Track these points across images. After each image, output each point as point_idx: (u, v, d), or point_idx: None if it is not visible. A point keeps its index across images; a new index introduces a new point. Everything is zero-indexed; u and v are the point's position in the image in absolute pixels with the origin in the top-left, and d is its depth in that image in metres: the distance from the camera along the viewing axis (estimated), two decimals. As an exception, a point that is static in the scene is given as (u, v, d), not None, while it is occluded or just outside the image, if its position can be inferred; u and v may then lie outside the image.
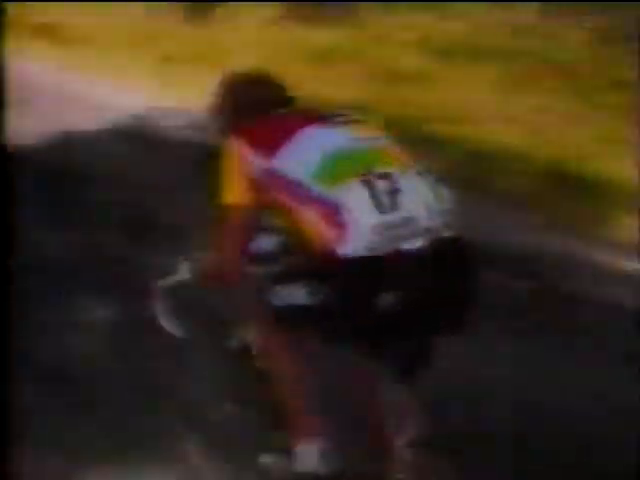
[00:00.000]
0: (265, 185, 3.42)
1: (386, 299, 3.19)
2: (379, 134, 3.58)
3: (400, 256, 3.18)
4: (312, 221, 3.28)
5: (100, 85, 12.80)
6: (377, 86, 11.62)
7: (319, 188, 3.27)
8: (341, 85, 11.93)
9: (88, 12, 24.35)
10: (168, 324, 3.94)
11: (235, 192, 3.49)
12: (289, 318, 3.42)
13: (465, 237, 3.40)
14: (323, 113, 3.62)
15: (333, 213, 3.21)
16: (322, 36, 15.53)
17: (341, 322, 3.28)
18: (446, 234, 3.29)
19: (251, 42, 17.73)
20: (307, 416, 3.60)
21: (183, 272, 3.90)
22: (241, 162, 3.47)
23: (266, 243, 3.78)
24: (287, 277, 3.51)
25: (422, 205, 3.27)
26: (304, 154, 3.37)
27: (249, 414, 4.14)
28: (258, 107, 3.65)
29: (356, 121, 3.62)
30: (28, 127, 11.07)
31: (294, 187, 3.33)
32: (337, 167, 3.32)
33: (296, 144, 3.40)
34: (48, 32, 24.00)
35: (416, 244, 3.20)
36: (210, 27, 19.91)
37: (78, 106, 11.44)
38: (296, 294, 3.35)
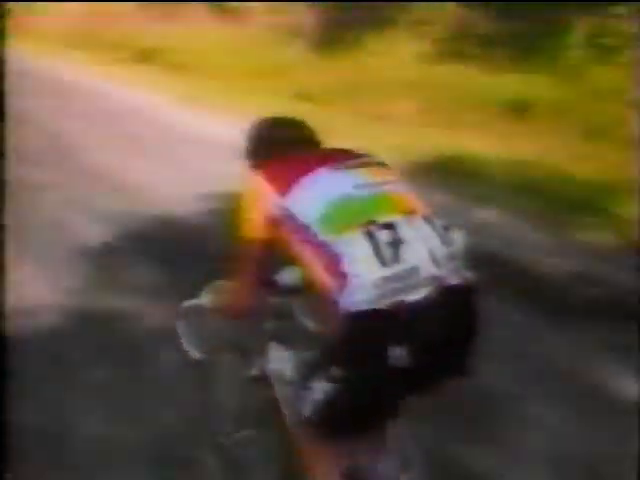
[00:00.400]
0: (279, 222, 3.45)
1: (394, 353, 3.18)
2: (391, 178, 3.57)
3: (404, 308, 3.17)
4: (317, 267, 3.29)
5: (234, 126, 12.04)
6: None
7: (323, 235, 3.29)
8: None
9: (197, 35, 23.52)
10: (187, 344, 4.03)
11: (252, 226, 3.54)
12: (328, 418, 3.41)
13: (472, 280, 3.38)
14: (340, 155, 3.64)
15: (335, 263, 3.24)
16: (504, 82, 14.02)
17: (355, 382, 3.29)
18: (452, 281, 3.27)
19: (405, 81, 15.46)
20: None
21: (204, 297, 3.99)
22: (259, 198, 3.52)
23: (288, 276, 3.84)
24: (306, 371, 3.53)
25: (426, 253, 3.25)
26: (311, 198, 3.40)
27: (265, 442, 4.20)
28: (279, 147, 3.72)
29: (372, 164, 3.63)
30: (176, 181, 10.41)
31: (302, 230, 3.37)
32: (340, 215, 3.33)
33: (305, 186, 3.43)
34: (157, 56, 23.10)
35: (420, 295, 3.19)
36: (352, 59, 18.25)
37: (220, 153, 10.68)
38: (318, 389, 3.37)
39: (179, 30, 24.85)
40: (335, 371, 3.28)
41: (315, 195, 3.41)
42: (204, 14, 26.11)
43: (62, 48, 29.11)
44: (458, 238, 3.40)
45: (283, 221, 3.44)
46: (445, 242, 3.33)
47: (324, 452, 3.56)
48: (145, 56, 23.97)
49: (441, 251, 3.29)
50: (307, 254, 3.36)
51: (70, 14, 34.49)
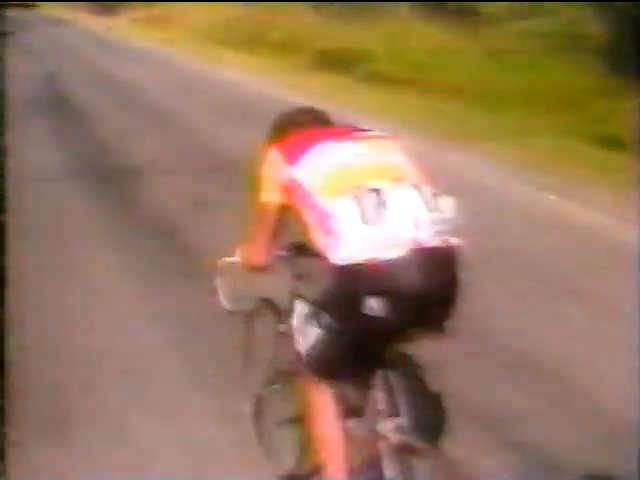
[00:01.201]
0: (289, 189, 3.86)
1: (372, 304, 3.54)
2: (389, 150, 3.98)
3: (382, 264, 3.51)
4: (315, 227, 3.69)
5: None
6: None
7: (321, 199, 3.69)
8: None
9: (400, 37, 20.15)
10: (221, 297, 4.51)
11: (267, 192, 4.01)
12: (317, 360, 3.86)
13: (455, 245, 3.68)
14: (346, 130, 4.10)
15: (328, 223, 3.66)
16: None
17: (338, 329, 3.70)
18: (432, 244, 3.58)
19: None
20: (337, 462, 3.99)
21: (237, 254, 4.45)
22: (273, 167, 4.00)
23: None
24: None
25: (409, 216, 3.58)
26: (315, 166, 3.85)
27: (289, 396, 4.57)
28: (295, 126, 4.19)
29: (374, 137, 4.07)
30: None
31: (306, 195, 3.79)
32: (337, 180, 3.77)
33: (311, 156, 3.88)
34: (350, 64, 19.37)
35: (398, 253, 3.52)
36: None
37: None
38: (311, 334, 3.83)
39: (375, 32, 21.37)
40: (324, 318, 3.72)
41: (319, 163, 3.86)
42: (406, 13, 22.51)
43: (219, 47, 28.49)
44: (447, 205, 3.71)
45: (292, 188, 3.90)
46: (431, 208, 3.64)
47: (322, 394, 3.93)
48: (331, 62, 20.58)
49: (424, 216, 3.60)
50: (309, 217, 3.75)
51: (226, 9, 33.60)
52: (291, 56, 24.01)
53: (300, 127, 4.16)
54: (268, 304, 4.78)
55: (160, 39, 34.96)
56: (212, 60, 25.92)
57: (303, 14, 26.54)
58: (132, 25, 45.54)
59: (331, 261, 3.61)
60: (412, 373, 3.80)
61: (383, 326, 3.57)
